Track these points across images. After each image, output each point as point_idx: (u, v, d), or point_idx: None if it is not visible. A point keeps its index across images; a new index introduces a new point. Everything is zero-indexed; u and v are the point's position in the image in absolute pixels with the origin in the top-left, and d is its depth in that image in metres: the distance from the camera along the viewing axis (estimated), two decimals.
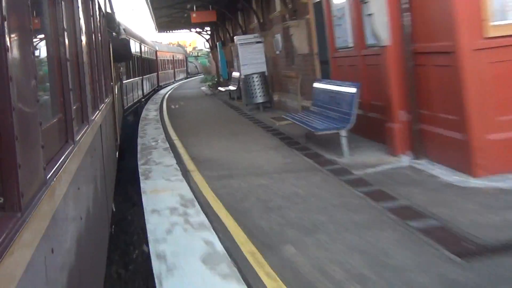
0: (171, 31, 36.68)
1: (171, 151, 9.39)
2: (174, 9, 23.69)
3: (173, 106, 20.49)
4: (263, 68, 16.50)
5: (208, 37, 36.56)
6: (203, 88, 34.08)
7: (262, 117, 13.96)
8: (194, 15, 22.35)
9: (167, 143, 10.54)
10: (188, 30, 35.23)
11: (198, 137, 11.13)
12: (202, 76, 51.44)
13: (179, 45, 59.27)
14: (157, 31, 33.96)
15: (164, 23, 30.58)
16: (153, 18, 24.85)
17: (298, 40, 12.74)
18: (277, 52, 15.95)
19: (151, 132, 12.70)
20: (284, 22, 14.02)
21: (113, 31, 9.95)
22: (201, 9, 22.82)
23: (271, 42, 16.52)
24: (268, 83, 15.97)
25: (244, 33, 20.28)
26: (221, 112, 17.51)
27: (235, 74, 20.92)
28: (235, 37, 17.80)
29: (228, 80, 26.17)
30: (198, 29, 34.86)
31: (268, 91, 15.91)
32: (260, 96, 15.72)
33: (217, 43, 30.54)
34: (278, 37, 15.58)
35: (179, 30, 35.94)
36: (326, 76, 10.98)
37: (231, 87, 21.48)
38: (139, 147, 10.30)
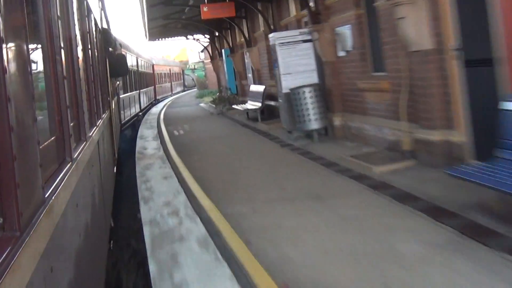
0: (163, 39, 31.82)
1: (226, 264, 4.68)
2: (172, 7, 19.01)
3: (176, 132, 15.87)
4: (313, 78, 11.88)
5: (206, 44, 32.95)
6: (202, 104, 29.73)
7: (328, 153, 9.24)
8: (205, 8, 16.93)
9: (201, 226, 5.86)
10: (184, 37, 31.15)
11: (250, 205, 6.49)
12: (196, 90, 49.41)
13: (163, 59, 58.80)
14: (147, 39, 28.55)
15: (156, 30, 25.80)
16: (145, 20, 20.52)
17: (412, 26, 7.49)
18: (342, 54, 10.84)
19: (158, 188, 8.14)
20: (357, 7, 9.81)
21: (109, 47, 9.98)
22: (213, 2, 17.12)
23: (329, 39, 11.16)
24: (325, 100, 11.39)
25: (274, 30, 15.01)
26: (251, 142, 12.37)
27: (256, 87, 17.81)
28: (271, 35, 12.66)
29: (237, 95, 23.82)
30: (195, 36, 30.44)
31: (326, 112, 11.26)
32: (314, 119, 11.05)
33: (222, 50, 26.33)
34: (346, 30, 10.46)
35: (173, 38, 31.67)
36: (477, 86, 6.62)
37: (252, 105, 17.17)
38: (146, 238, 5.77)
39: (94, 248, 3.69)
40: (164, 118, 22.18)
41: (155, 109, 30.03)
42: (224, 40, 24.98)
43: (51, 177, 2.27)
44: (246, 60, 21.70)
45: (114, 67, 9.66)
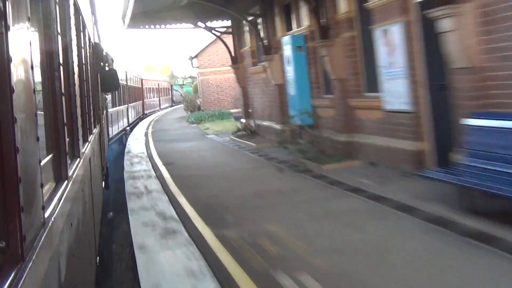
0: (151, 26, 19.18)
1: None
2: None
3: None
4: None
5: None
6: (214, 137, 19.29)
7: None
8: None
9: None
10: (192, 26, 18.80)
11: None
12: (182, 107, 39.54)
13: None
14: (125, 26, 18.19)
15: (143, 13, 16.55)
16: None
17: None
18: None
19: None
20: None
21: (101, 61, 9.95)
22: None
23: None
24: None
25: None
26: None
27: None
28: None
29: (313, 127, 12.87)
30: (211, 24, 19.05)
31: None
32: None
33: (282, 40, 14.29)
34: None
35: (165, 25, 19.09)
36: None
37: None
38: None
39: (84, 266, 3.63)
40: (158, 152, 15.64)
41: (138, 133, 23.12)
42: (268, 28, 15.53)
43: (49, 197, 2.22)
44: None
45: (105, 82, 9.62)
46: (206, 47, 33.03)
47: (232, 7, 15.74)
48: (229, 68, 21.74)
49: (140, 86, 34.51)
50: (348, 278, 4.82)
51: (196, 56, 32.03)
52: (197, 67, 33.30)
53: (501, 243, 5.15)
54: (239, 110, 20.85)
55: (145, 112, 36.33)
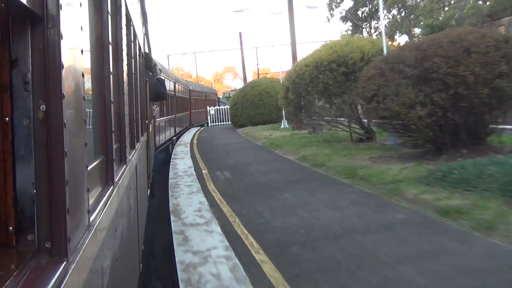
0: None
1: None
2: None
3: None
4: None
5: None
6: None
7: None
8: None
9: None
10: None
11: None
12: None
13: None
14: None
15: None
16: None
17: None
18: None
19: None
20: None
21: (149, 71, 10.19)
22: None
23: None
24: None
25: None
26: None
27: None
28: None
29: None
30: None
31: None
32: None
33: None
34: None
35: None
36: None
37: None
38: None
39: (128, 273, 3.69)
40: None
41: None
42: None
43: (95, 201, 2.28)
44: None
45: (153, 92, 9.83)
46: None
47: None
48: None
49: (188, 97, 35.05)
50: None
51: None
52: None
53: None
54: None
55: (192, 122, 36.80)
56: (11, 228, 1.52)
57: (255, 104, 32.98)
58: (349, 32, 57.18)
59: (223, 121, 41.06)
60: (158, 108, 17.72)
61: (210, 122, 41.73)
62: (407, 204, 7.68)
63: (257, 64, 65.76)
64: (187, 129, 33.82)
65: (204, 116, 44.55)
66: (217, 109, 42.83)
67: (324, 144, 16.96)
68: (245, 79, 54.25)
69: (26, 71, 1.51)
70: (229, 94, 62.25)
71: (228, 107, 38.98)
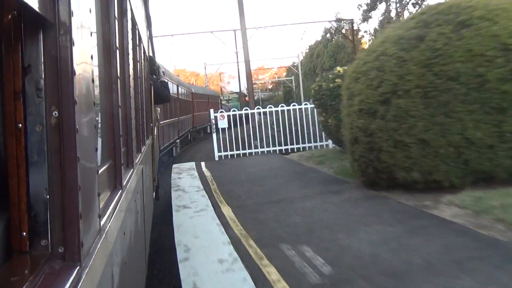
0: None
1: None
2: None
3: None
4: None
5: None
6: None
7: None
8: None
9: None
10: None
11: None
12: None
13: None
14: None
15: None
16: None
17: None
18: None
19: None
20: None
21: (153, 74, 10.21)
22: None
23: None
24: None
25: None
26: None
27: None
28: None
29: None
30: None
31: None
32: None
33: None
34: None
35: None
36: None
37: None
38: None
39: (136, 275, 3.70)
40: None
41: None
42: None
43: (105, 205, 2.29)
44: None
45: (157, 94, 9.85)
46: None
47: None
48: None
49: (191, 99, 35.06)
50: None
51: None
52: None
53: None
54: None
55: (195, 125, 36.79)
56: (24, 233, 1.53)
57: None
58: None
59: (253, 147, 17.30)
60: (162, 111, 17.74)
61: (218, 150, 17.33)
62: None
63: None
64: (190, 132, 33.81)
65: (207, 118, 44.48)
66: (234, 115, 18.05)
67: None
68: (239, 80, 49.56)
69: (39, 77, 1.52)
70: (229, 97, 62.11)
71: (263, 111, 18.45)
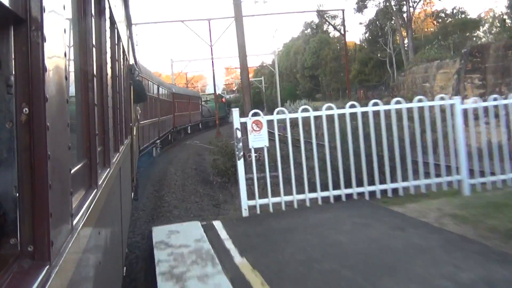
0: None
1: None
2: None
3: None
4: None
5: None
6: None
7: None
8: None
9: None
10: None
11: None
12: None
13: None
14: None
15: None
16: None
17: None
18: None
19: None
20: None
21: (133, 73, 10.14)
22: None
23: None
24: None
25: None
26: None
27: None
28: None
29: None
30: None
31: None
32: None
33: None
34: None
35: None
36: None
37: None
38: None
39: (111, 276, 3.67)
40: None
41: None
42: None
43: (78, 205, 2.27)
44: None
45: (137, 93, 9.79)
46: None
47: None
48: None
49: (172, 100, 34.91)
50: None
51: None
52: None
53: None
54: None
55: (176, 125, 36.63)
56: None
57: None
58: None
59: (318, 187, 8.73)
60: (142, 111, 17.63)
61: (247, 196, 8.49)
62: None
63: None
64: (171, 133, 33.65)
65: (188, 119, 44.33)
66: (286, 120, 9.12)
67: None
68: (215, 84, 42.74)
69: (9, 74, 1.50)
70: (207, 97, 61.63)
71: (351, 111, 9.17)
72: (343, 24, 44.16)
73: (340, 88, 54.87)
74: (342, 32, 44.01)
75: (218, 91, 58.53)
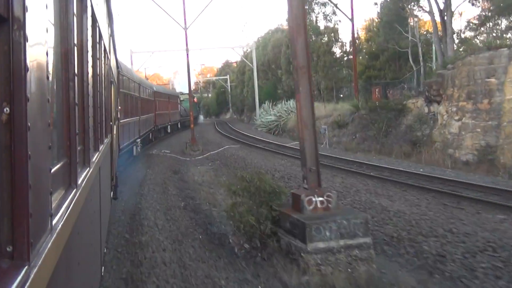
0: None
1: None
2: None
3: None
4: None
5: None
6: None
7: None
8: None
9: None
10: None
11: None
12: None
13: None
14: None
15: None
16: None
17: None
18: None
19: None
20: None
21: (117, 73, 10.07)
22: None
23: None
24: None
25: None
26: None
27: None
28: None
29: None
30: None
31: None
32: None
33: None
34: None
35: None
36: None
37: None
38: None
39: (90, 276, 3.65)
40: None
41: None
42: None
43: (58, 205, 2.25)
44: None
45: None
46: None
47: None
48: None
49: (153, 98, 34.68)
50: None
51: None
52: None
53: None
54: None
55: (157, 124, 36.39)
56: None
57: None
58: None
59: None
60: (122, 110, 17.48)
61: None
62: None
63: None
64: (152, 131, 33.43)
65: (168, 118, 44.08)
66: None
67: None
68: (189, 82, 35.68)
69: None
70: (181, 98, 60.92)
71: None
72: (351, 5, 35.52)
73: (335, 86, 46.82)
74: (350, 17, 35.61)
75: (180, 89, 57.26)
